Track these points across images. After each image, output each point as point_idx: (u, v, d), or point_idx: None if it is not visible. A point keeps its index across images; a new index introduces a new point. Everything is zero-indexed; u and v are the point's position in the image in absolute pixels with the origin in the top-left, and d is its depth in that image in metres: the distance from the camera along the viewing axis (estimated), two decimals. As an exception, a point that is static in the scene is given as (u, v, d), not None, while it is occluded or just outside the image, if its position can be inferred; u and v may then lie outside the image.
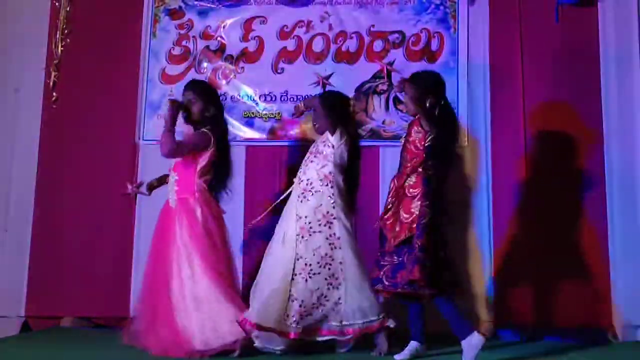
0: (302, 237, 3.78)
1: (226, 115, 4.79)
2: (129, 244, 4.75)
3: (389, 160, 4.64)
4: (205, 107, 3.98)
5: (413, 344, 3.70)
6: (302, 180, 3.90)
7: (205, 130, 3.93)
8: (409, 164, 3.69)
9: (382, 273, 3.64)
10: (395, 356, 3.62)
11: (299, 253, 3.76)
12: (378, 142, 4.77)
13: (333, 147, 3.90)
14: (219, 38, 4.99)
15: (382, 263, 3.67)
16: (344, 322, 3.74)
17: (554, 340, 4.38)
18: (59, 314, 4.76)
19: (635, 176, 4.58)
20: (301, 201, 3.85)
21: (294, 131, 4.84)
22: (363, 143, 4.69)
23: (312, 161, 3.92)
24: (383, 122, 4.79)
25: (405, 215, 3.60)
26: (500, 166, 4.66)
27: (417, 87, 3.73)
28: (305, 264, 3.74)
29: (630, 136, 4.60)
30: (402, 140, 3.82)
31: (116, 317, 4.68)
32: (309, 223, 3.79)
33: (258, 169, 4.83)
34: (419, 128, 3.70)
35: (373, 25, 4.89)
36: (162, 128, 3.88)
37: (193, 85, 4.09)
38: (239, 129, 4.87)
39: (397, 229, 3.61)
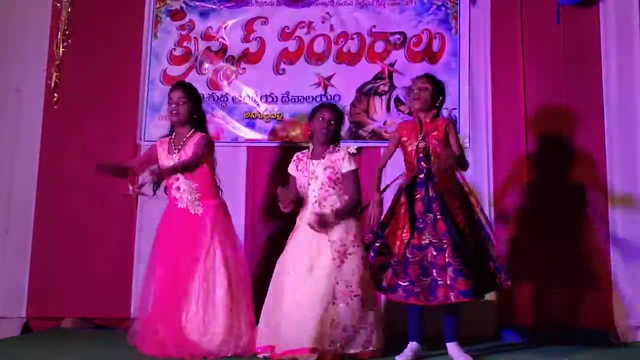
0: (340, 260, 3.70)
1: (227, 116, 4.84)
2: (130, 245, 4.75)
3: (390, 161, 4.62)
4: (193, 108, 3.98)
5: (413, 345, 3.68)
6: (325, 206, 3.79)
7: (205, 135, 3.96)
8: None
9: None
10: (397, 357, 3.61)
11: (338, 277, 3.67)
12: (379, 143, 4.74)
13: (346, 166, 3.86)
14: (220, 39, 4.99)
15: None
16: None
17: (556, 341, 4.37)
18: (60, 315, 4.76)
19: (636, 178, 4.57)
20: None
21: (295, 132, 4.83)
22: (364, 144, 4.73)
23: (332, 187, 3.82)
24: (384, 123, 4.79)
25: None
26: (501, 167, 4.66)
27: (436, 86, 3.79)
28: (346, 287, 3.66)
29: (631, 137, 4.60)
30: (422, 138, 3.73)
31: (117, 318, 4.69)
32: (344, 245, 3.72)
33: (259, 170, 4.82)
34: (444, 123, 3.74)
35: (374, 26, 4.88)
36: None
37: (182, 86, 4.08)
38: (240, 130, 4.87)
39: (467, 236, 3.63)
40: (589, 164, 4.61)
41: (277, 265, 3.85)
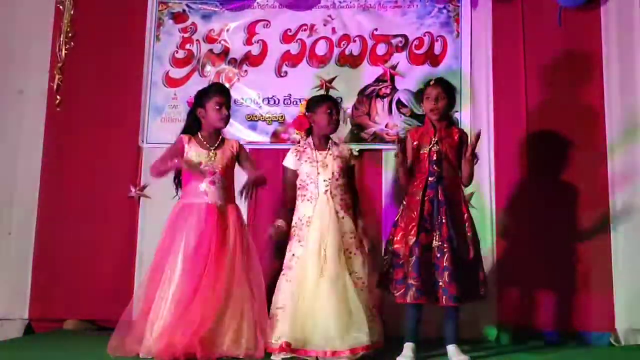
0: (351, 252, 3.80)
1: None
2: (133, 246, 4.75)
3: (391, 163, 4.65)
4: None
5: (412, 345, 3.68)
6: (335, 196, 3.86)
7: (240, 142, 4.10)
8: (449, 169, 3.75)
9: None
10: (398, 359, 3.62)
11: (350, 268, 3.76)
12: (381, 146, 4.76)
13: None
14: (222, 41, 5.00)
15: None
16: None
17: (556, 343, 4.37)
18: (62, 317, 4.76)
19: (637, 180, 4.56)
20: (342, 217, 3.84)
21: (297, 135, 4.83)
22: (366, 147, 4.74)
23: (342, 177, 3.91)
24: (386, 126, 4.79)
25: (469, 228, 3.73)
26: (503, 169, 4.66)
27: (451, 95, 3.85)
28: (357, 278, 3.77)
29: (633, 139, 4.59)
30: (435, 142, 3.76)
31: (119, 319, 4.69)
32: (352, 238, 3.84)
33: (261, 173, 4.83)
34: (458, 132, 3.83)
35: (376, 29, 4.89)
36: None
37: (229, 92, 4.09)
38: (242, 132, 4.86)
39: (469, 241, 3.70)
40: (591, 167, 4.60)
41: (294, 263, 3.82)
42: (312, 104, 4.02)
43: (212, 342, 3.56)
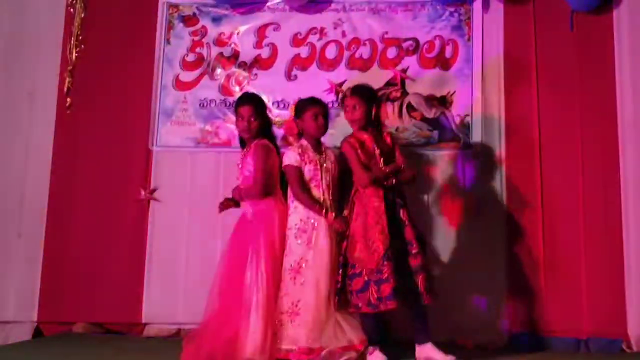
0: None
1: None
2: (142, 249, 4.75)
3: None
4: (262, 121, 4.00)
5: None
6: (334, 201, 3.91)
7: (258, 142, 3.95)
8: None
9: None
10: None
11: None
12: (391, 149, 4.75)
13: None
14: (232, 45, 4.99)
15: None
16: None
17: (568, 349, 4.34)
18: (72, 320, 4.76)
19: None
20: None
21: (307, 138, 4.83)
22: (376, 150, 4.72)
23: (336, 182, 3.96)
24: (396, 129, 4.76)
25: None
26: (514, 174, 4.63)
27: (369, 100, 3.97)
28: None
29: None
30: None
31: (128, 323, 4.69)
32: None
33: (271, 176, 4.82)
34: None
35: (386, 32, 4.88)
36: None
37: (252, 101, 4.04)
38: (252, 136, 4.86)
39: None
40: (603, 171, 4.57)
41: (303, 267, 3.80)
42: (299, 109, 4.01)
43: (233, 350, 3.57)
